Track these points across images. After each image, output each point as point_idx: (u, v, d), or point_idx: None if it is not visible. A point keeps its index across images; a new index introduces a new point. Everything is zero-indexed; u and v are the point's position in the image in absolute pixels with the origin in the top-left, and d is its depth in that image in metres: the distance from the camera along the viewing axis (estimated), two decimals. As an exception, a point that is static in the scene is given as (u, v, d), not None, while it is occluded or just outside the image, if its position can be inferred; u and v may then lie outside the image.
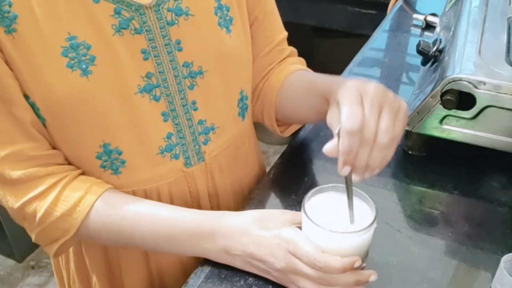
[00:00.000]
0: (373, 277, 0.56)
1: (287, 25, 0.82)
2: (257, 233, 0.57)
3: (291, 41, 0.83)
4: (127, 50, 0.57)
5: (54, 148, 0.61)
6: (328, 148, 0.53)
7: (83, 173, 0.63)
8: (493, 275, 0.57)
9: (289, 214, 0.59)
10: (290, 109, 0.76)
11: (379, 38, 1.22)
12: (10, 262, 1.84)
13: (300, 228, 0.58)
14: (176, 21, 0.60)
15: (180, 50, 0.61)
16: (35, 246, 1.87)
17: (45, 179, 0.59)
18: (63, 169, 0.61)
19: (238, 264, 0.59)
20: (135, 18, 0.57)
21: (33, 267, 1.83)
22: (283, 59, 0.79)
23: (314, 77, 0.72)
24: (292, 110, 0.76)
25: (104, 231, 0.61)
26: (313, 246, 0.54)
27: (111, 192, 0.62)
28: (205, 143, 0.68)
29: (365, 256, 0.58)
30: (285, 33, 0.80)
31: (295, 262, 0.55)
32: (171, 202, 0.67)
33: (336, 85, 0.58)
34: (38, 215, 0.59)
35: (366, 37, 1.21)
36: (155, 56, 0.59)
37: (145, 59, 0.59)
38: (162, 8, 0.59)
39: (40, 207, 0.59)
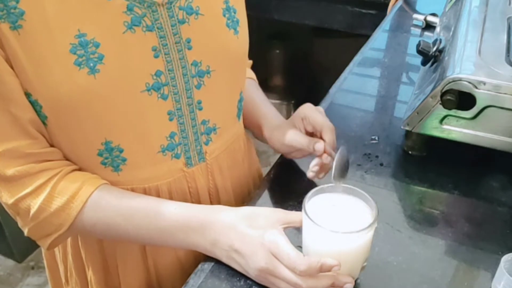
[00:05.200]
0: (349, 285, 0.56)
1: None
2: (244, 230, 0.58)
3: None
4: (138, 47, 0.57)
5: (51, 145, 0.62)
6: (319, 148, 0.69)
7: (77, 168, 0.63)
8: (493, 275, 0.57)
9: (281, 213, 0.60)
10: None
11: (379, 38, 1.22)
12: (10, 262, 1.85)
13: (290, 227, 0.59)
14: (187, 20, 0.60)
15: (190, 48, 0.61)
16: (35, 246, 1.86)
17: (39, 175, 0.59)
18: (57, 164, 0.61)
19: (224, 259, 0.60)
20: (147, 15, 0.57)
21: (33, 267, 1.83)
22: None
23: (256, 99, 0.82)
24: None
25: (98, 225, 0.61)
26: (295, 249, 0.55)
27: (104, 187, 0.62)
28: (206, 143, 0.68)
29: (365, 256, 0.58)
30: None
31: (275, 263, 0.55)
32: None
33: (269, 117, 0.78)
34: (32, 211, 0.59)
35: (366, 37, 1.21)
36: (165, 54, 0.60)
37: (156, 56, 0.59)
38: (174, 6, 0.59)
39: (34, 203, 0.59)
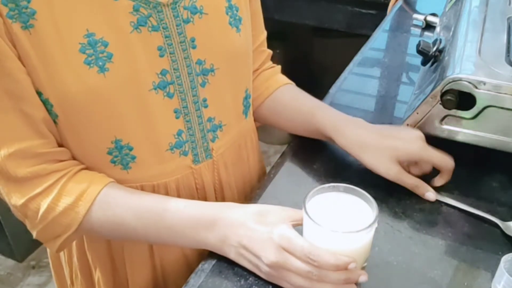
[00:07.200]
0: (363, 277, 0.56)
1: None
2: (253, 226, 0.58)
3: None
4: (144, 47, 0.58)
5: (61, 144, 0.62)
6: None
7: (86, 168, 0.63)
8: (493, 275, 0.57)
9: (290, 211, 0.60)
10: (273, 119, 0.81)
11: (379, 38, 1.22)
12: (10, 262, 1.85)
13: (299, 225, 0.58)
14: (191, 19, 0.61)
15: (194, 47, 0.62)
16: (35, 246, 1.87)
17: (49, 176, 0.60)
18: (67, 165, 0.61)
19: (232, 255, 0.60)
20: (152, 16, 0.58)
21: (33, 267, 1.83)
22: (263, 63, 0.83)
23: (310, 107, 0.77)
24: (276, 122, 0.81)
25: (106, 225, 0.61)
26: (307, 241, 0.55)
27: (112, 185, 0.62)
28: (213, 141, 0.69)
29: (365, 256, 0.58)
30: (265, 33, 0.83)
31: (286, 257, 0.55)
32: (178, 197, 0.67)
33: (339, 128, 0.72)
34: (41, 211, 0.59)
35: (366, 37, 1.21)
36: (170, 53, 0.60)
37: (161, 56, 0.60)
38: (178, 6, 0.60)
39: (43, 204, 0.59)
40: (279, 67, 0.86)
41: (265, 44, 0.83)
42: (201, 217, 0.61)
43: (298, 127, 0.79)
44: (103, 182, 0.61)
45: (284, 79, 0.84)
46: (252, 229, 0.58)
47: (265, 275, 0.58)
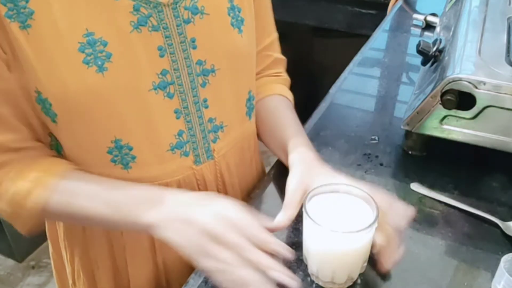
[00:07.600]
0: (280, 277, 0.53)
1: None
2: (196, 202, 0.58)
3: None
4: (144, 47, 0.58)
5: (58, 142, 0.63)
6: None
7: (51, 154, 0.64)
8: (493, 275, 0.57)
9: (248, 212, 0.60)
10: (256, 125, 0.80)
11: (379, 38, 1.22)
12: (10, 262, 1.85)
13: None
14: (192, 20, 0.61)
15: (194, 48, 0.62)
16: (35, 246, 1.87)
17: (12, 163, 0.60)
18: (27, 152, 0.62)
19: (169, 234, 0.56)
20: (153, 15, 0.58)
21: (33, 267, 1.83)
22: (267, 68, 0.82)
23: (283, 123, 0.76)
24: (257, 128, 0.80)
25: (62, 210, 0.61)
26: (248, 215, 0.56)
27: (69, 171, 0.62)
28: (214, 141, 0.69)
29: (365, 256, 0.58)
30: (273, 36, 0.81)
31: (222, 225, 0.54)
32: None
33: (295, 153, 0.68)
34: (6, 198, 0.60)
35: (366, 37, 1.21)
36: (170, 53, 0.60)
37: (161, 56, 0.60)
38: (179, 6, 0.60)
39: (10, 190, 0.60)
40: (286, 79, 0.84)
41: (272, 49, 0.81)
42: (147, 194, 0.60)
43: (267, 132, 0.78)
44: (60, 168, 0.61)
45: (281, 90, 0.81)
46: (194, 204, 0.57)
47: (191, 246, 0.55)
